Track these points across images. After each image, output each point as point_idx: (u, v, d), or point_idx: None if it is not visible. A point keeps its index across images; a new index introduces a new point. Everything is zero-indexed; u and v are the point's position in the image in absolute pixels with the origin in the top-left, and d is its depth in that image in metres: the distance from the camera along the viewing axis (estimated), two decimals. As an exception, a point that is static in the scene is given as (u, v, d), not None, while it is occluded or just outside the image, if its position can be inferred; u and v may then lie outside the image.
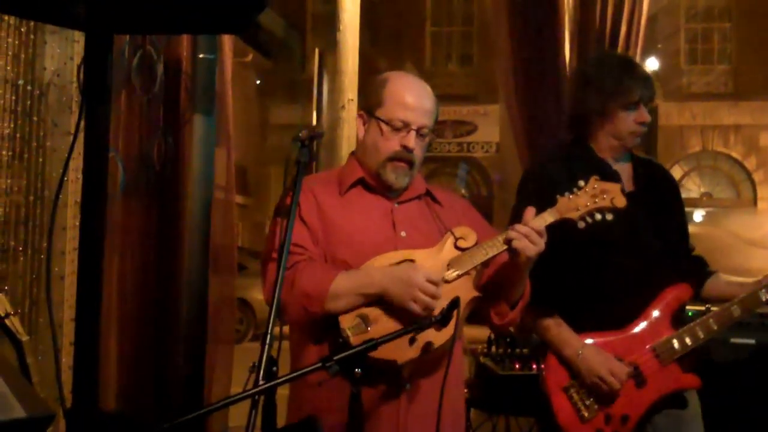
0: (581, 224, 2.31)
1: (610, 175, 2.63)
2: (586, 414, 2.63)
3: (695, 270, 2.89)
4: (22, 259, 3.33)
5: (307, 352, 2.25)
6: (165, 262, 3.77)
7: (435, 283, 2.14)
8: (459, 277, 2.23)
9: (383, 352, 1.92)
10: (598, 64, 2.89)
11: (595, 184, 2.32)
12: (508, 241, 2.20)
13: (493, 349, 4.27)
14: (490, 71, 15.51)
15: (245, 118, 16.65)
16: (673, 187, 2.95)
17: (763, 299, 2.69)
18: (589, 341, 2.67)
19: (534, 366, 4.02)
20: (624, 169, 2.82)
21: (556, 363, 2.69)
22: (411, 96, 2.32)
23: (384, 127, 2.30)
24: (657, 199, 2.81)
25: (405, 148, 2.30)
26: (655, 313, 2.70)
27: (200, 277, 3.82)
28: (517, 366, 4.14)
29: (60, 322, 3.30)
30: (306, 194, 2.24)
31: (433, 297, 2.13)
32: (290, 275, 2.12)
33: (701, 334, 2.68)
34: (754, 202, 19.74)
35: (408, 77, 2.40)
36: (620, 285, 2.69)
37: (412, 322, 2.09)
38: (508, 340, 4.23)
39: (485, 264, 2.28)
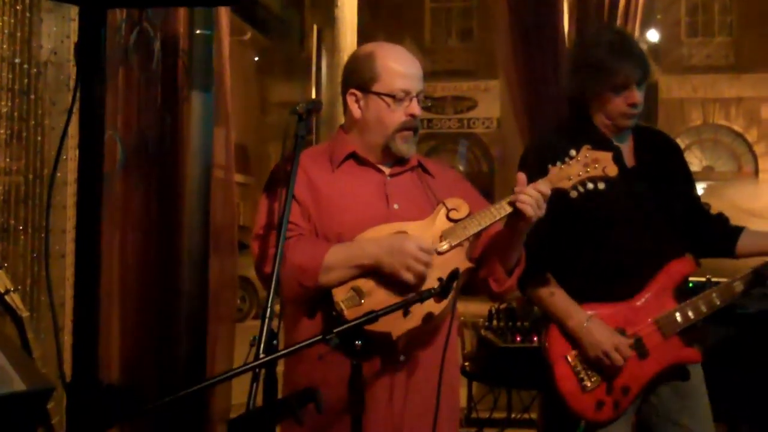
0: (573, 194, 2.30)
1: (612, 150, 2.61)
2: (588, 384, 2.64)
3: (722, 229, 2.87)
4: (22, 238, 3.33)
5: (300, 327, 2.26)
6: (165, 241, 3.77)
7: (427, 251, 2.15)
8: (452, 248, 2.22)
9: (377, 325, 1.92)
10: (587, 45, 2.86)
11: (586, 153, 2.31)
12: (512, 203, 2.21)
13: (494, 322, 4.28)
14: (491, 47, 15.43)
15: (244, 97, 16.59)
16: (676, 153, 2.92)
17: None
18: (591, 312, 2.67)
19: (535, 338, 4.04)
20: (625, 144, 2.79)
21: (559, 333, 2.69)
22: (404, 65, 2.34)
23: (387, 100, 2.31)
24: (660, 170, 2.79)
25: (412, 116, 2.33)
26: (659, 286, 2.69)
27: (201, 256, 3.81)
28: (518, 338, 4.16)
29: (62, 300, 3.30)
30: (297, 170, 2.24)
31: (426, 265, 2.14)
32: (283, 251, 2.12)
33: (704, 308, 2.68)
34: (756, 175, 19.69)
35: (393, 47, 2.40)
36: (624, 260, 2.68)
37: (405, 293, 2.10)
38: (509, 312, 4.24)
39: (477, 235, 2.27)
